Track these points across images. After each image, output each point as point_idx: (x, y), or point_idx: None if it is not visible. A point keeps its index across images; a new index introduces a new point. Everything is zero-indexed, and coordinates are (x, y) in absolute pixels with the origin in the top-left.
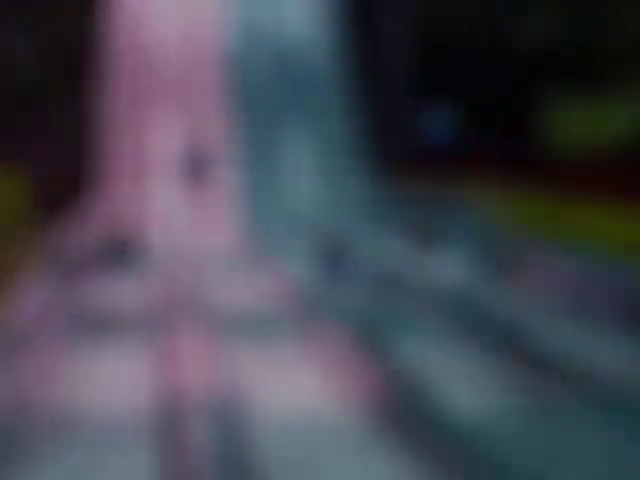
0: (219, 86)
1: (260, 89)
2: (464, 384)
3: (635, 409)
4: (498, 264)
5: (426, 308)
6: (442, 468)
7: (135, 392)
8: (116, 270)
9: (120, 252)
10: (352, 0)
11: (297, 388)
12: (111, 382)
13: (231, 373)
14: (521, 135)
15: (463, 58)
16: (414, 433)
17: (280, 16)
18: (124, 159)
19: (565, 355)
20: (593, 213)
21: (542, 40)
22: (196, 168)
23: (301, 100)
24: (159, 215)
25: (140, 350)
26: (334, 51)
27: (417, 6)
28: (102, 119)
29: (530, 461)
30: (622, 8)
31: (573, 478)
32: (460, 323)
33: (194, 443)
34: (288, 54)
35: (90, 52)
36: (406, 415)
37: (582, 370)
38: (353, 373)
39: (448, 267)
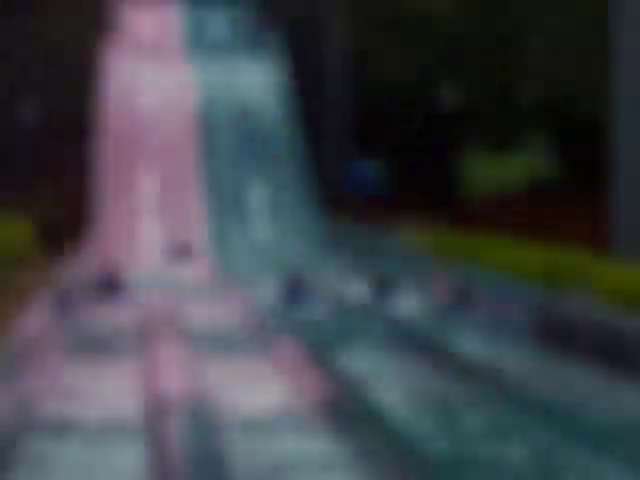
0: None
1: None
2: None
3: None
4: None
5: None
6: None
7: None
8: (107, 295)
9: (110, 283)
10: (302, 65)
11: (251, 379)
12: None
13: (197, 367)
14: (441, 181)
15: (397, 118)
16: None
17: (238, 80)
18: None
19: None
20: (498, 243)
21: (463, 101)
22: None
23: (257, 152)
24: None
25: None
26: (285, 112)
27: (361, 71)
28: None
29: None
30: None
31: None
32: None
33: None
34: (247, 115)
35: (87, 112)
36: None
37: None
38: (298, 370)
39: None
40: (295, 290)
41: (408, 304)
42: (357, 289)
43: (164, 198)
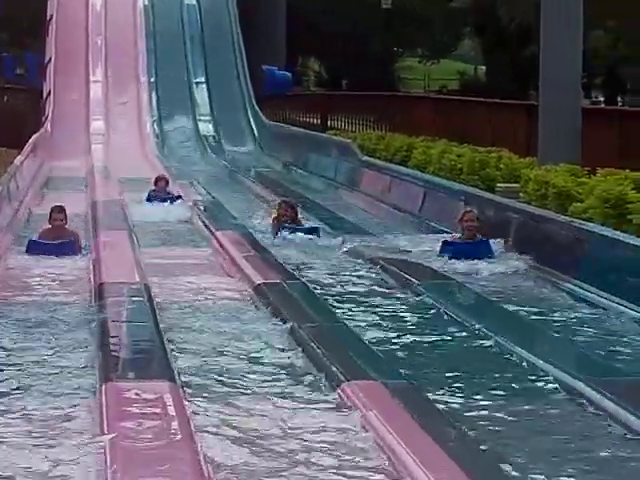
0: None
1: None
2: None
3: None
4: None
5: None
6: None
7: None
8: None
9: None
10: None
11: None
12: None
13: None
14: (378, 82)
15: (334, 24)
16: None
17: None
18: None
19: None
20: (433, 143)
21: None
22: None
23: (202, 51)
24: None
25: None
26: (227, 16)
27: None
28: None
29: None
30: None
31: None
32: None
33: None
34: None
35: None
36: None
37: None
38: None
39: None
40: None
41: None
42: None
43: (113, 91)
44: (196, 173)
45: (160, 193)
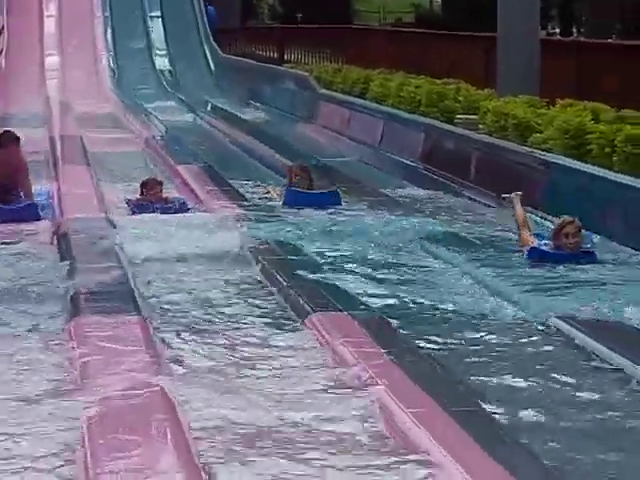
0: None
1: None
2: None
3: None
4: None
5: None
6: None
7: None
8: None
9: None
10: None
11: None
12: None
13: None
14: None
15: None
16: None
17: None
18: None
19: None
20: (391, 75)
21: None
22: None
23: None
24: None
25: None
26: None
27: None
28: None
29: None
30: None
31: None
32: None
33: None
34: None
35: None
36: None
37: None
38: None
39: None
40: None
41: None
42: None
43: (67, 26)
44: (152, 108)
45: (152, 203)
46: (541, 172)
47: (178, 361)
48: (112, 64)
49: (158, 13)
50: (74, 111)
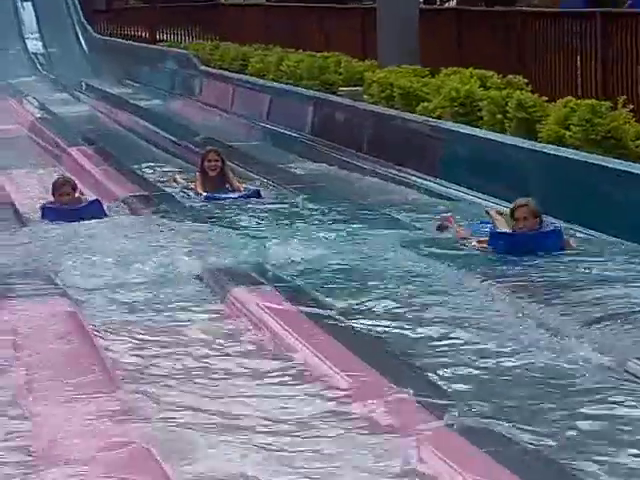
0: None
1: None
2: None
3: None
4: None
5: None
6: None
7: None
8: None
9: None
10: None
11: None
12: None
13: None
14: None
15: None
16: None
17: None
18: None
19: None
20: (268, 50)
21: None
22: None
23: None
24: None
25: None
26: None
27: None
28: None
29: None
30: None
31: None
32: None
33: None
34: None
35: None
36: None
37: None
38: None
39: None
40: None
41: None
42: None
43: None
44: (28, 90)
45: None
46: (436, 140)
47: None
48: None
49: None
50: None
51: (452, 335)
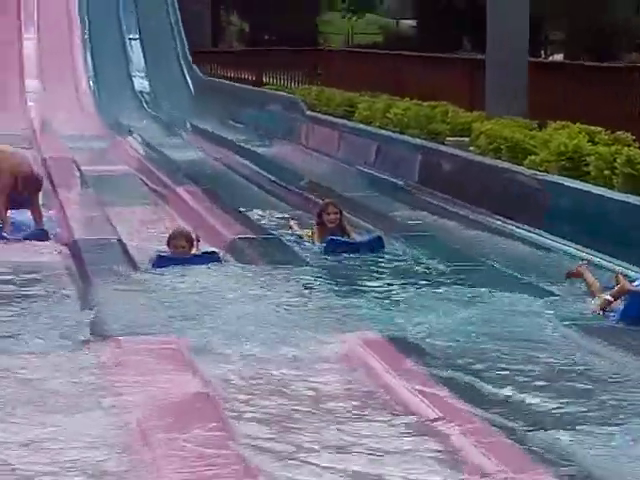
0: None
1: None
2: None
3: None
4: None
5: None
6: None
7: None
8: None
9: None
10: None
11: None
12: None
13: None
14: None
15: None
16: None
17: None
18: None
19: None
20: (374, 98)
21: None
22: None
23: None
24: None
25: None
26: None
27: None
28: None
29: None
30: None
31: None
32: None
33: None
34: None
35: None
36: None
37: None
38: None
39: None
40: None
41: None
42: None
43: (46, 48)
44: (134, 128)
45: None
46: (543, 193)
47: None
48: (92, 86)
49: (136, 35)
50: (59, 132)
51: None
